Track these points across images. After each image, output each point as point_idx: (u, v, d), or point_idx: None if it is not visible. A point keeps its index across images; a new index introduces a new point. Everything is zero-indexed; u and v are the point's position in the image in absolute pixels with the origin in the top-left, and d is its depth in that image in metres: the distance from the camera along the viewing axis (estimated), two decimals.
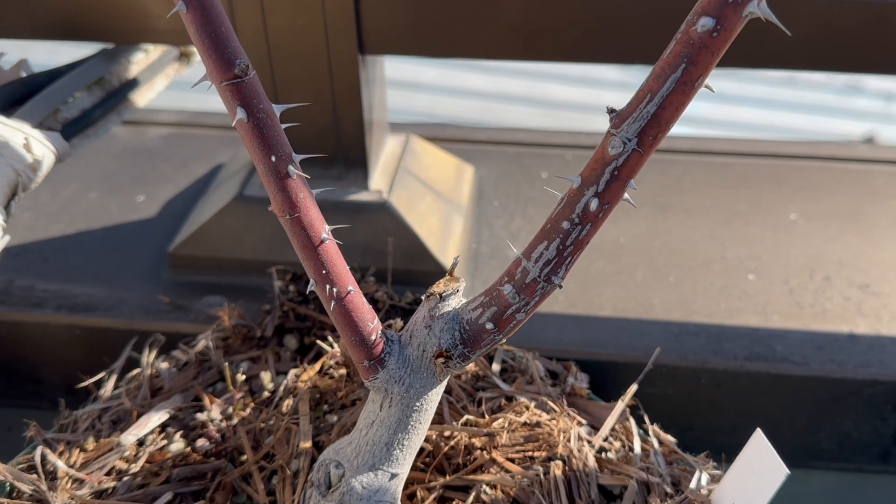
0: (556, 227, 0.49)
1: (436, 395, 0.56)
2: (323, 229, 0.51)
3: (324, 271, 0.51)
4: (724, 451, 0.68)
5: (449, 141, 1.17)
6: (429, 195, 0.97)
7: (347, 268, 0.52)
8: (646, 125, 0.46)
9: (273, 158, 0.48)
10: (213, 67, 0.46)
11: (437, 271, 0.90)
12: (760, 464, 0.59)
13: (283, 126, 0.48)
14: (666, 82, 0.45)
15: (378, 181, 0.93)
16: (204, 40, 0.45)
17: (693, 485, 0.63)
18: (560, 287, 0.53)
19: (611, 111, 0.48)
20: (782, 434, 0.87)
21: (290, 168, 0.48)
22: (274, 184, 0.49)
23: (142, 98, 0.93)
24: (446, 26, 0.81)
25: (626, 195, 0.50)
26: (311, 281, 0.52)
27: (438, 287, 0.54)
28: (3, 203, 0.69)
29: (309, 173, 0.49)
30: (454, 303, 0.54)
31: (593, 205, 0.48)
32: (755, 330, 0.86)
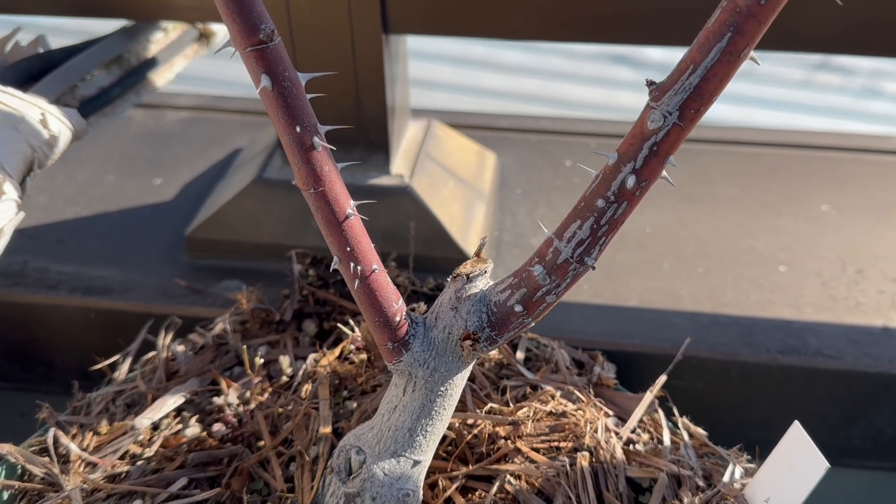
0: (590, 206, 0.47)
1: (461, 380, 0.54)
2: (348, 204, 0.49)
3: (348, 248, 0.49)
4: (755, 447, 0.66)
5: (470, 128, 1.15)
6: (451, 181, 0.95)
7: (372, 245, 0.50)
8: (688, 98, 0.44)
9: (298, 129, 0.46)
10: (237, 32, 0.44)
11: (460, 258, 0.88)
12: (798, 457, 0.57)
13: (309, 97, 0.46)
14: (710, 52, 0.42)
15: (400, 165, 0.91)
16: (228, 3, 0.43)
17: (726, 478, 0.60)
18: (593, 268, 0.50)
19: (650, 83, 0.46)
20: (814, 430, 0.83)
21: (316, 140, 0.46)
22: (298, 156, 0.47)
23: (160, 78, 0.91)
24: (471, 4, 0.79)
25: (664, 173, 0.48)
26: (335, 259, 0.50)
27: (465, 268, 0.52)
28: (18, 179, 0.67)
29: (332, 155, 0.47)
30: (481, 284, 0.52)
31: (630, 182, 0.46)
32: (788, 322, 0.84)
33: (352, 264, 0.49)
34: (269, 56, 0.44)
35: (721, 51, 0.43)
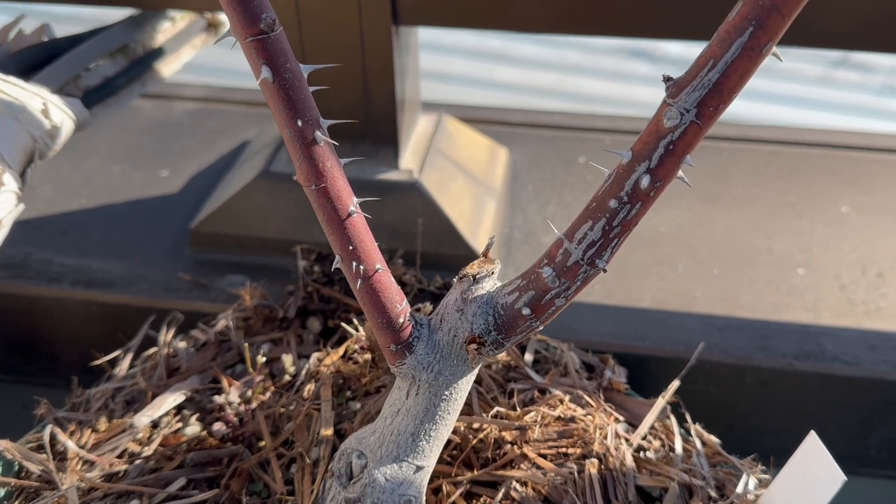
0: (602, 206, 0.45)
1: (466, 385, 0.53)
2: (351, 202, 0.47)
3: (350, 247, 0.47)
4: (767, 455, 0.64)
5: (483, 122, 1.13)
6: (461, 177, 0.93)
7: (376, 244, 0.49)
8: (706, 95, 0.42)
9: (299, 123, 0.44)
10: (238, 21, 0.42)
11: (468, 256, 0.86)
12: (814, 469, 0.55)
13: (311, 90, 0.45)
14: (731, 47, 0.40)
15: (409, 160, 0.89)
16: None
17: (740, 489, 0.58)
18: (604, 271, 0.49)
19: (667, 79, 0.44)
20: (829, 438, 0.80)
21: (317, 134, 0.45)
22: (299, 150, 0.45)
23: (167, 68, 0.89)
24: None
25: (680, 173, 0.46)
26: (337, 257, 0.48)
27: (472, 268, 0.50)
28: (18, 170, 0.66)
29: (335, 150, 0.45)
30: (488, 286, 0.50)
31: (644, 182, 0.44)
32: (804, 327, 0.81)
33: (354, 263, 0.48)
34: (270, 47, 0.42)
35: (742, 46, 0.41)
